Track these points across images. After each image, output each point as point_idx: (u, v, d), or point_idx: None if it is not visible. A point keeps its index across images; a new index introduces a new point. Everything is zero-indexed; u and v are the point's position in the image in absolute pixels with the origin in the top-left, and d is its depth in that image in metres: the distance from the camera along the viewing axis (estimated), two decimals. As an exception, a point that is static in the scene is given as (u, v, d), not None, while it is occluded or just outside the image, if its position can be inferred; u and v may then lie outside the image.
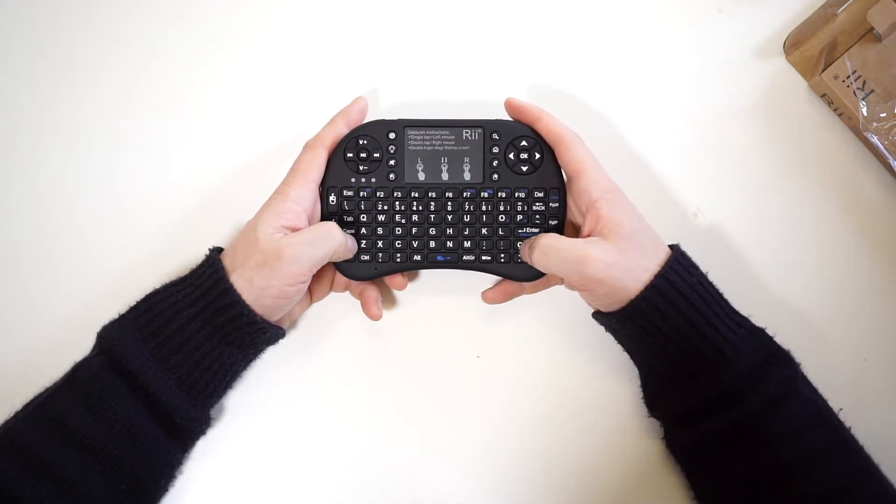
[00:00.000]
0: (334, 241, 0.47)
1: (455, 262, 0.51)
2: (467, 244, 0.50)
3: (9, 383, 0.53)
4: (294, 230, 0.47)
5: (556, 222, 0.50)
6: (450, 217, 0.50)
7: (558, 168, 0.50)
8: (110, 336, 0.47)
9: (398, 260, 0.50)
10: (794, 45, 0.56)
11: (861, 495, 0.44)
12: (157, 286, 0.49)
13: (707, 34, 0.57)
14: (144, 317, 0.47)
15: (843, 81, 0.53)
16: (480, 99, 0.56)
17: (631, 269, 0.45)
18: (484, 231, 0.50)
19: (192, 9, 0.58)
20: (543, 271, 0.48)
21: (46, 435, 0.44)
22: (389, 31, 0.58)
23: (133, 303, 0.48)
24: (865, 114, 0.52)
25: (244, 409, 0.53)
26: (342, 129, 0.50)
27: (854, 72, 0.53)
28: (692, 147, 0.56)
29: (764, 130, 0.56)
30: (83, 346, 0.48)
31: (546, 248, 0.47)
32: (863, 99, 0.53)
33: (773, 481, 0.44)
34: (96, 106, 0.57)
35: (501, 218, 0.50)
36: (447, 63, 0.57)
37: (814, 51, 0.56)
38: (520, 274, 0.51)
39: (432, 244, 0.50)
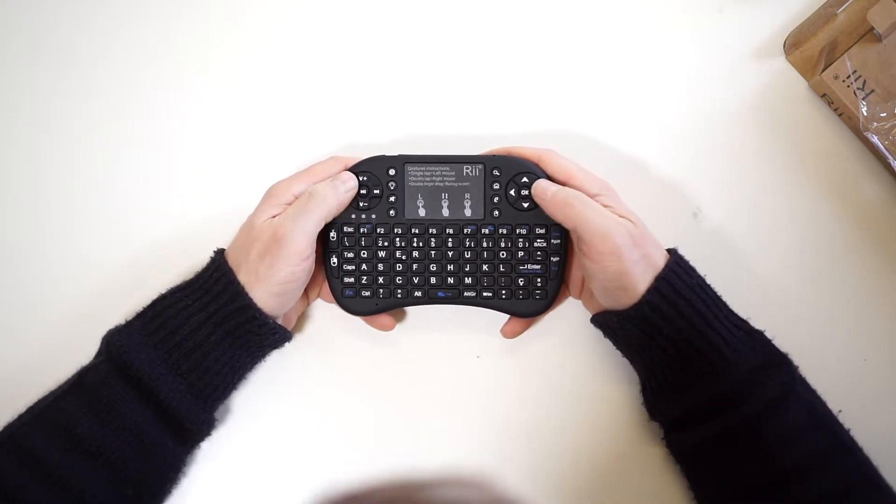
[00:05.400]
0: (323, 202, 0.47)
1: (456, 298, 0.51)
2: (468, 280, 0.51)
3: (9, 383, 0.53)
4: None
5: (558, 258, 0.50)
6: (450, 253, 0.50)
7: None
8: (118, 343, 0.46)
9: (399, 296, 0.51)
10: (794, 45, 0.56)
11: (860, 499, 0.44)
12: (164, 291, 0.48)
13: (707, 34, 0.57)
14: (153, 323, 0.47)
15: (843, 81, 0.53)
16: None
17: (646, 258, 0.45)
18: (485, 267, 0.50)
19: (193, 9, 0.58)
20: (563, 221, 0.47)
21: (53, 439, 0.44)
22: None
23: (139, 308, 0.48)
24: (865, 114, 0.52)
25: (246, 410, 0.53)
26: None
27: (854, 72, 0.53)
28: (692, 147, 0.56)
29: (764, 130, 0.56)
30: (84, 345, 0.48)
31: (584, 201, 0.46)
32: (863, 99, 0.53)
33: (772, 484, 0.44)
34: (96, 106, 0.57)
35: (503, 254, 0.50)
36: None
37: (814, 51, 0.56)
38: (522, 310, 0.51)
39: (433, 280, 0.51)
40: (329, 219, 0.48)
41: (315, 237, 0.47)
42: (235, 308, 0.46)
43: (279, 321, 0.49)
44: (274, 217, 0.47)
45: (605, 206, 0.47)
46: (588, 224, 0.45)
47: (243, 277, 0.46)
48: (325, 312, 0.54)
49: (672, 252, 0.48)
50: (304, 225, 0.46)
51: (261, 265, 0.46)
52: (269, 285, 0.46)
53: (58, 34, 0.57)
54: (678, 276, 0.46)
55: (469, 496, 0.31)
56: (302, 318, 0.54)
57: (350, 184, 0.49)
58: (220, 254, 0.49)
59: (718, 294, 0.48)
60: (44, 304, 0.54)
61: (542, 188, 0.48)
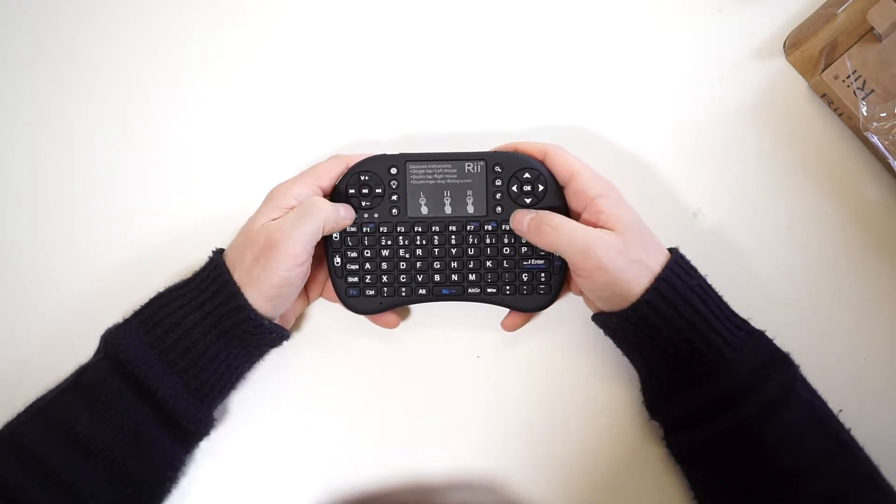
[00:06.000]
0: (321, 212, 0.47)
1: (460, 295, 0.51)
2: (472, 277, 0.51)
3: (9, 382, 0.53)
4: None
5: None
6: (454, 251, 0.50)
7: (563, 199, 0.50)
8: (116, 340, 0.46)
9: (403, 294, 0.51)
10: (794, 45, 0.56)
11: (860, 498, 0.44)
12: (161, 289, 0.48)
13: (707, 34, 0.57)
14: (150, 321, 0.47)
15: (843, 81, 0.53)
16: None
17: (634, 263, 0.45)
18: (488, 264, 0.50)
19: (192, 9, 0.58)
20: (544, 248, 0.48)
21: (51, 438, 0.44)
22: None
23: (137, 306, 0.48)
24: (865, 114, 0.52)
25: (246, 409, 0.53)
26: None
27: (854, 72, 0.53)
28: (692, 148, 0.56)
29: (764, 130, 0.56)
30: (84, 345, 0.48)
31: (556, 225, 0.46)
32: (863, 99, 0.53)
33: (772, 484, 0.44)
34: (96, 106, 0.57)
35: (506, 250, 0.50)
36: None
37: (814, 51, 0.56)
38: (526, 305, 0.51)
39: (437, 278, 0.51)
40: (326, 232, 0.48)
41: (311, 244, 0.47)
42: (230, 308, 0.46)
43: (276, 321, 0.49)
44: (273, 220, 0.47)
45: (599, 210, 0.47)
46: (566, 246, 0.46)
47: (238, 278, 0.46)
48: (325, 311, 0.54)
49: (673, 252, 0.48)
50: (301, 231, 0.46)
51: (255, 268, 0.46)
52: (262, 288, 0.46)
53: (58, 34, 0.57)
54: (678, 276, 0.46)
55: (481, 500, 0.32)
56: (301, 317, 0.54)
57: (350, 213, 0.49)
58: (218, 254, 0.49)
59: (719, 294, 0.48)
60: (44, 303, 0.54)
61: (517, 220, 0.49)
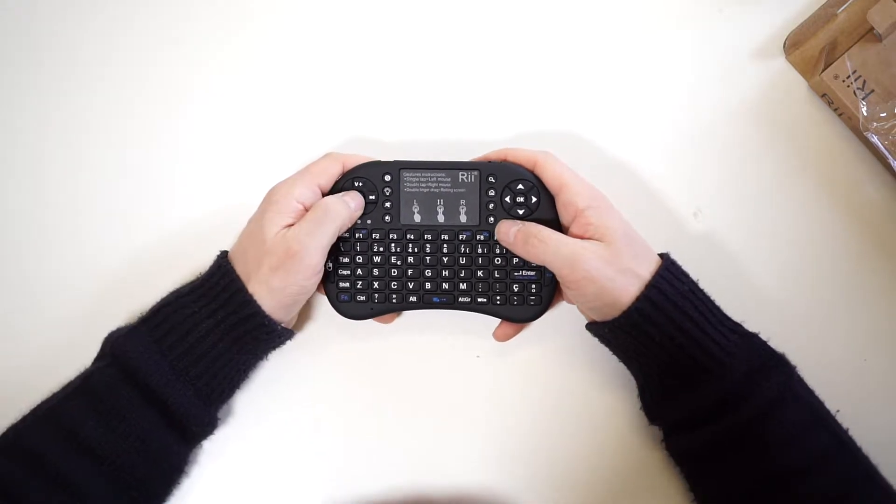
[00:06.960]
0: (337, 218, 0.47)
1: (451, 304, 0.51)
2: (463, 286, 0.51)
3: (11, 382, 0.53)
4: None
5: None
6: (445, 259, 0.50)
7: (555, 211, 0.49)
8: (125, 347, 0.46)
9: (394, 301, 0.51)
10: (794, 45, 0.56)
11: (862, 498, 0.44)
12: (166, 294, 0.49)
13: (707, 34, 0.57)
14: (161, 328, 0.47)
15: (843, 81, 0.53)
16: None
17: (623, 272, 0.45)
18: (479, 273, 0.50)
19: (196, 9, 0.58)
20: (532, 261, 0.48)
21: (58, 442, 0.44)
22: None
23: (142, 311, 0.48)
24: (865, 114, 0.52)
25: (248, 410, 0.53)
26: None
27: (854, 72, 0.53)
28: (691, 148, 0.56)
29: (764, 130, 0.56)
30: (87, 345, 0.49)
31: (543, 238, 0.46)
32: (863, 99, 0.53)
33: (772, 485, 0.44)
34: (100, 106, 0.57)
35: (497, 260, 0.50)
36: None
37: (814, 51, 0.56)
38: (517, 315, 0.51)
39: (428, 286, 0.51)
40: (341, 231, 0.48)
41: (328, 250, 0.47)
42: (244, 316, 0.46)
43: (288, 317, 0.49)
44: (287, 227, 0.47)
45: (588, 222, 0.46)
46: (553, 259, 0.46)
47: (254, 288, 0.46)
48: (326, 312, 0.54)
49: (664, 257, 0.47)
50: (319, 242, 0.46)
51: (273, 278, 0.46)
52: (280, 297, 0.46)
53: (60, 34, 0.58)
54: (668, 282, 0.45)
55: None
56: (303, 319, 0.55)
57: (359, 201, 0.49)
58: (223, 257, 0.49)
59: (712, 298, 0.47)
60: (47, 303, 0.55)
61: (503, 231, 0.49)
